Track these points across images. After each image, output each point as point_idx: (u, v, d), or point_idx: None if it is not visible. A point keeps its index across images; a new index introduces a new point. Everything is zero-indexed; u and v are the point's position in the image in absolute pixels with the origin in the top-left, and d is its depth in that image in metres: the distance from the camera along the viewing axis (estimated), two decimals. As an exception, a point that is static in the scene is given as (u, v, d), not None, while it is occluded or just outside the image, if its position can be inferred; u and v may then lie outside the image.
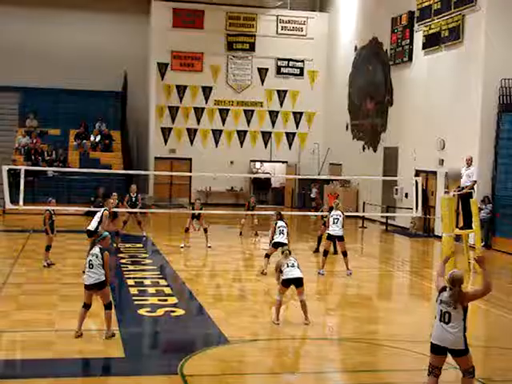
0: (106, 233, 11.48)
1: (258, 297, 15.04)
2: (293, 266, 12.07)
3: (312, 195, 33.38)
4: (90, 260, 10.87)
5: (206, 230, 20.75)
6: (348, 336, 11.84)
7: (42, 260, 16.89)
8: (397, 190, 28.02)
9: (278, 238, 16.36)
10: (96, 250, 10.94)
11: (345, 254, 17.19)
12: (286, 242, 15.94)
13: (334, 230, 17.14)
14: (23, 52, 34.92)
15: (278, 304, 12.17)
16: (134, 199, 21.73)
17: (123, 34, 36.00)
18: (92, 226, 16.71)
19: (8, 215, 26.36)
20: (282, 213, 17.48)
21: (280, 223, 16.64)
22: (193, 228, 20.87)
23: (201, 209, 20.84)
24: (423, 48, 26.68)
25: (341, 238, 17.25)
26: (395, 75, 29.21)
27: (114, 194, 19.89)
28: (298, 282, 12.08)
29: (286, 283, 12.09)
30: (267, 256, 16.81)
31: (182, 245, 20.61)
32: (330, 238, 17.35)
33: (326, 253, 17.21)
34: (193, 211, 20.98)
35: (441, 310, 7.95)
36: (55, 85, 34.51)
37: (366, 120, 31.87)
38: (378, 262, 20.91)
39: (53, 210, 16.97)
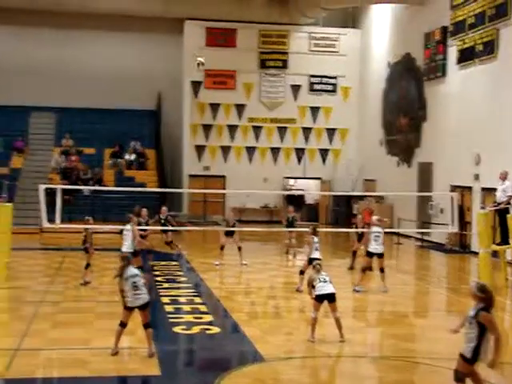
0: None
1: (293, 314, 14.99)
2: (325, 281, 11.98)
3: (354, 211, 32.97)
4: (134, 282, 10.77)
5: (239, 249, 20.74)
6: (385, 354, 11.73)
7: (81, 278, 17.03)
8: (432, 205, 27.78)
9: (314, 254, 16.27)
10: (134, 270, 10.94)
11: (382, 270, 17.02)
12: (320, 257, 15.87)
13: (375, 247, 16.99)
14: (59, 73, 35.40)
15: (313, 321, 12.06)
16: (162, 221, 21.28)
17: (157, 54, 36.32)
18: (127, 247, 16.81)
19: (45, 234, 26.61)
20: (318, 229, 17.35)
21: (316, 239, 16.54)
22: (226, 242, 20.89)
23: (233, 225, 20.83)
24: (457, 63, 26.50)
25: (381, 255, 17.07)
26: (429, 90, 29.05)
27: (144, 209, 19.98)
28: (330, 298, 12.00)
29: (320, 299, 12.00)
30: (302, 273, 16.69)
31: (217, 262, 20.60)
32: (371, 255, 17.15)
33: (364, 270, 17.04)
34: (227, 228, 20.97)
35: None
36: (91, 104, 34.93)
37: (400, 135, 31.71)
38: (414, 279, 20.71)
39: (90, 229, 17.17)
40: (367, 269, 17.10)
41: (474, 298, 8.00)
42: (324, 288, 11.95)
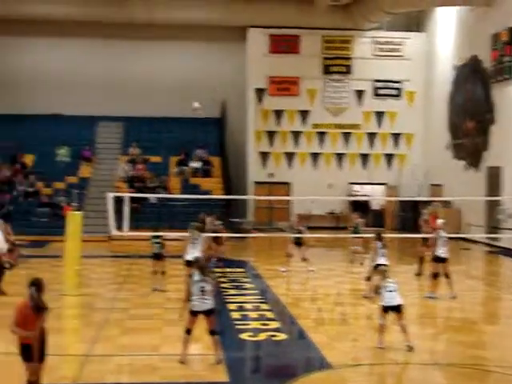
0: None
1: (360, 321, 14.89)
2: (392, 291, 11.79)
3: (425, 217, 32.44)
4: (202, 287, 10.88)
5: (305, 259, 20.66)
6: (453, 361, 11.55)
7: (154, 284, 17.30)
8: (501, 210, 27.25)
9: (380, 260, 16.13)
10: (207, 276, 11.04)
11: (447, 276, 16.80)
12: (387, 263, 15.72)
13: (444, 252, 16.78)
14: (126, 83, 36.06)
15: (381, 328, 11.95)
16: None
17: (221, 62, 36.62)
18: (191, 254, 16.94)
19: (113, 241, 27.06)
20: (383, 235, 17.17)
21: (380, 244, 16.39)
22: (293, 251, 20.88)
23: (300, 232, 20.72)
24: (525, 64, 26.02)
25: (447, 260, 16.90)
26: (496, 93, 28.55)
27: (208, 218, 20.08)
28: (397, 309, 11.85)
29: (386, 310, 11.90)
30: (368, 279, 16.59)
31: (284, 269, 20.62)
32: (440, 260, 16.93)
33: (436, 276, 16.82)
34: (295, 235, 20.86)
35: None
36: (157, 113, 35.44)
37: (467, 139, 31.23)
38: (483, 285, 20.35)
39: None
40: (438, 275, 16.82)
41: None
42: (391, 300, 11.79)
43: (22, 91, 35.48)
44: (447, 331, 14.15)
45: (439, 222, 17.60)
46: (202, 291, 10.87)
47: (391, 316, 12.12)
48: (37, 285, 8.44)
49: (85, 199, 30.37)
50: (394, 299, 11.81)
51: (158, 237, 17.53)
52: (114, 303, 15.96)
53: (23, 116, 34.80)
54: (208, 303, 10.91)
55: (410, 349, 11.73)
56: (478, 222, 28.79)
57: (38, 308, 8.31)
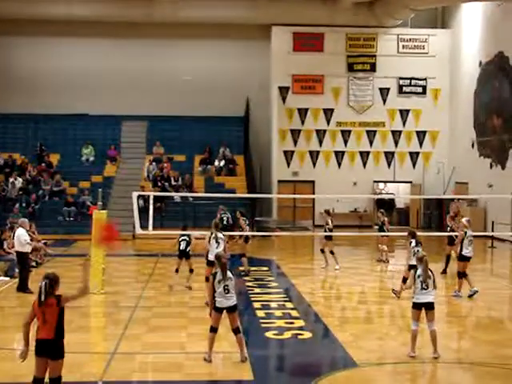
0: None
1: (384, 319, 14.84)
2: (425, 288, 11.30)
3: (451, 214, 32.04)
4: (226, 285, 10.89)
5: (332, 253, 20.76)
6: (481, 360, 11.45)
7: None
8: (528, 208, 27.02)
9: (414, 261, 15.42)
10: (230, 274, 11.07)
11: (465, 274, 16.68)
12: None
13: (471, 251, 16.62)
14: (150, 81, 36.10)
15: (413, 333, 11.40)
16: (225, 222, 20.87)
17: (245, 60, 36.58)
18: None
19: (138, 240, 27.18)
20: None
21: (414, 243, 15.88)
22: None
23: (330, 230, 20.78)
24: (552, 60, 25.75)
25: (470, 259, 16.78)
26: (523, 90, 28.30)
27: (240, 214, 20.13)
28: (428, 306, 11.36)
29: (417, 306, 11.39)
30: (404, 280, 15.73)
31: (324, 265, 20.91)
32: (467, 259, 16.72)
33: (463, 275, 16.60)
34: (326, 233, 20.87)
35: None
36: (181, 112, 35.48)
37: (493, 137, 30.97)
38: (509, 283, 20.19)
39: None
40: (464, 273, 16.63)
41: None
42: (423, 296, 11.28)
43: (47, 91, 35.66)
44: (474, 330, 14.05)
45: (464, 220, 17.34)
46: (226, 289, 10.89)
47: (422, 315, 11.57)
48: (49, 279, 8.31)
49: (110, 198, 30.53)
50: (426, 296, 11.28)
51: (185, 234, 17.56)
52: (139, 301, 16.03)
53: (49, 116, 35.03)
54: (231, 300, 10.93)
55: (437, 358, 11.26)
56: (504, 221, 28.54)
57: (39, 301, 8.25)
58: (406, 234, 16.75)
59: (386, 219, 22.54)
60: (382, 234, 22.23)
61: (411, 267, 14.30)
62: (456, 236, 18.01)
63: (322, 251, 21.15)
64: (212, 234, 16.01)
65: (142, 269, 21.88)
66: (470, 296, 16.35)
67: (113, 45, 36.47)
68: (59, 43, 36.22)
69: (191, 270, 17.38)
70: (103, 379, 10.12)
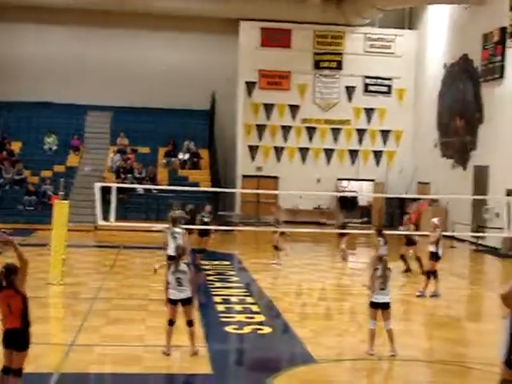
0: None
1: (344, 316, 14.93)
2: (383, 288, 11.34)
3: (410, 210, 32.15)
4: (179, 277, 10.91)
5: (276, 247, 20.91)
6: (437, 358, 11.59)
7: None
8: (487, 209, 27.35)
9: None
10: (183, 266, 11.04)
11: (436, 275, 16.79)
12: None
13: (441, 250, 16.69)
14: (116, 72, 35.83)
15: (371, 332, 11.41)
16: (205, 219, 20.29)
17: (212, 54, 36.47)
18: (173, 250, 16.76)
19: (99, 231, 26.99)
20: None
21: (382, 241, 15.87)
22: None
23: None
24: (515, 64, 26.07)
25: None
26: (486, 92, 28.61)
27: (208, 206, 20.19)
28: (385, 306, 11.42)
29: (375, 306, 11.41)
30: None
31: (275, 261, 20.77)
32: (439, 258, 16.80)
33: (433, 273, 16.64)
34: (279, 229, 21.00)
35: None
36: (146, 104, 35.28)
37: (456, 138, 31.30)
38: (468, 283, 20.44)
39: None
40: (435, 273, 16.64)
41: None
42: (380, 296, 11.34)
43: (11, 78, 35.13)
44: (432, 328, 14.20)
45: (436, 220, 17.32)
46: (179, 282, 10.88)
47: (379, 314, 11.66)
48: (6, 268, 8.10)
49: (72, 188, 30.27)
50: (382, 296, 11.36)
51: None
52: (99, 293, 15.92)
53: (11, 103, 34.52)
54: (184, 292, 10.92)
55: (394, 356, 11.30)
56: (464, 221, 28.89)
57: None
58: (369, 232, 16.82)
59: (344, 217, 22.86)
60: (343, 231, 22.29)
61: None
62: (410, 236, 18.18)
63: (276, 248, 21.15)
64: (169, 229, 15.91)
65: (103, 260, 21.74)
66: (419, 296, 16.47)
67: (80, 33, 35.99)
68: (25, 30, 35.71)
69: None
70: (61, 371, 10.04)
